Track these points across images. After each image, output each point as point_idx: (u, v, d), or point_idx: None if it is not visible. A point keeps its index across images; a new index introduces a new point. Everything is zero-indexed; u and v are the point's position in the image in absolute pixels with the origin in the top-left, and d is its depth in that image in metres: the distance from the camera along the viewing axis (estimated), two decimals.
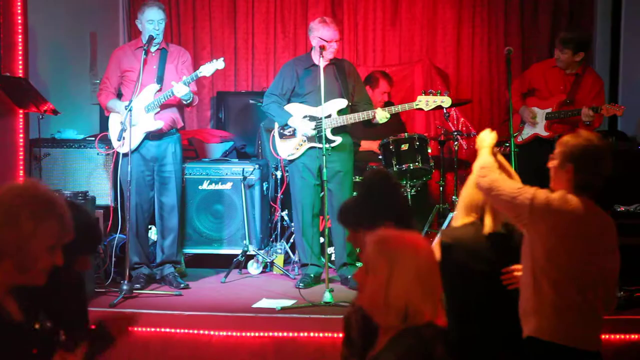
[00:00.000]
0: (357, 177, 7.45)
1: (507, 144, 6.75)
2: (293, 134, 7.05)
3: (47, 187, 2.73)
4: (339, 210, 3.86)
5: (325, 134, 6.68)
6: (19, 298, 2.72)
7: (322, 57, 6.76)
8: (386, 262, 2.59)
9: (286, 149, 7.12)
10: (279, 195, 7.70)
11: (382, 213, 3.58)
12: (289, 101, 7.11)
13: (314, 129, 6.91)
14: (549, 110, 7.27)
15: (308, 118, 6.97)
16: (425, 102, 6.86)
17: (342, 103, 6.97)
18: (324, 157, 6.58)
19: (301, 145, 7.02)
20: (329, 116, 6.91)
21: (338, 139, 6.96)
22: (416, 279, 2.58)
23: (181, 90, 6.72)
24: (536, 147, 7.16)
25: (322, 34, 6.93)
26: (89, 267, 2.87)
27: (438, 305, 2.66)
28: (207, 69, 6.75)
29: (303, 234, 7.13)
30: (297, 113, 7.01)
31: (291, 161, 7.16)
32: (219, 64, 6.75)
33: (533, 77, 7.54)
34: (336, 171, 6.98)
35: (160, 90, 6.90)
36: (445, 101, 6.88)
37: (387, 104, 8.06)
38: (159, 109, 6.89)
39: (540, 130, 7.30)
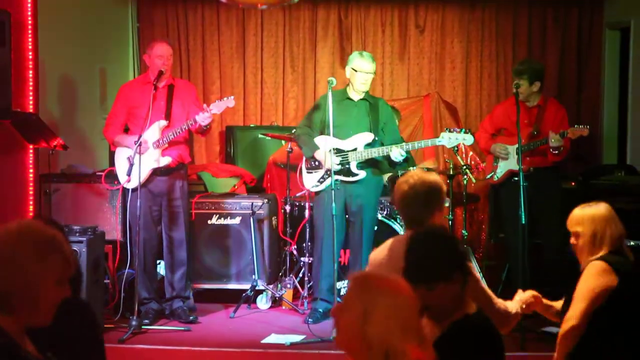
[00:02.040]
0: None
1: (516, 178, 6.74)
2: (319, 166, 7.07)
3: (41, 223, 2.73)
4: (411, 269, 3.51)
5: (347, 167, 6.80)
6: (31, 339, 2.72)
7: (358, 88, 7.00)
8: (361, 299, 2.50)
9: (311, 181, 7.13)
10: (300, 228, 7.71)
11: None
12: (321, 133, 7.12)
13: (339, 164, 6.92)
14: (518, 145, 7.11)
15: (335, 151, 6.96)
16: (448, 138, 6.83)
17: (369, 137, 6.97)
18: (332, 191, 6.59)
19: (325, 178, 7.02)
20: (355, 149, 6.93)
21: (362, 173, 6.96)
22: (394, 318, 2.51)
23: (205, 119, 6.75)
24: (512, 183, 7.11)
25: (354, 64, 7.03)
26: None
27: (425, 343, 2.58)
28: (217, 107, 6.77)
29: (320, 266, 7.12)
30: (325, 146, 7.00)
31: (316, 193, 7.18)
32: (229, 101, 6.77)
33: (498, 118, 7.52)
34: (359, 205, 6.99)
35: (168, 126, 6.93)
36: (467, 139, 6.84)
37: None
38: (166, 145, 6.92)
39: (513, 165, 7.15)
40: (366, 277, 2.61)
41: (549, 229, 7.18)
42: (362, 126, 7.01)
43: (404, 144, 6.94)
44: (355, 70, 7.01)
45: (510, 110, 7.27)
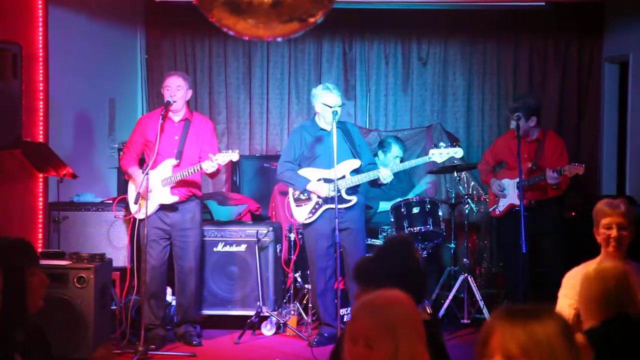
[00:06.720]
0: (370, 239, 7.54)
1: (517, 208, 6.86)
2: (309, 198, 7.18)
3: None
4: (354, 267, 3.92)
5: (338, 194, 6.84)
6: None
7: (330, 120, 6.97)
8: (389, 333, 2.48)
9: (303, 214, 7.21)
10: (293, 257, 7.79)
11: (393, 277, 3.62)
12: (299, 166, 7.25)
13: (332, 190, 7.02)
14: (518, 179, 7.13)
15: (322, 181, 7.08)
16: (439, 154, 6.94)
17: (355, 163, 7.10)
18: (337, 220, 6.69)
19: (317, 208, 7.13)
20: (343, 177, 7.05)
21: (353, 199, 7.08)
22: (417, 336, 2.56)
23: (210, 168, 6.86)
24: (513, 213, 7.23)
25: (326, 100, 7.09)
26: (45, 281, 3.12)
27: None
28: (222, 158, 6.86)
29: (318, 295, 7.22)
30: (312, 177, 7.14)
31: (306, 225, 7.27)
32: (233, 155, 6.86)
33: (499, 150, 7.68)
34: (348, 230, 7.08)
35: (178, 165, 7.05)
36: (458, 152, 6.95)
37: None
38: (174, 184, 7.05)
39: (514, 200, 7.32)
40: (379, 308, 2.56)
41: (554, 259, 7.30)
42: (344, 153, 7.10)
43: (396, 164, 7.01)
44: (329, 106, 7.04)
45: (511, 143, 7.37)
